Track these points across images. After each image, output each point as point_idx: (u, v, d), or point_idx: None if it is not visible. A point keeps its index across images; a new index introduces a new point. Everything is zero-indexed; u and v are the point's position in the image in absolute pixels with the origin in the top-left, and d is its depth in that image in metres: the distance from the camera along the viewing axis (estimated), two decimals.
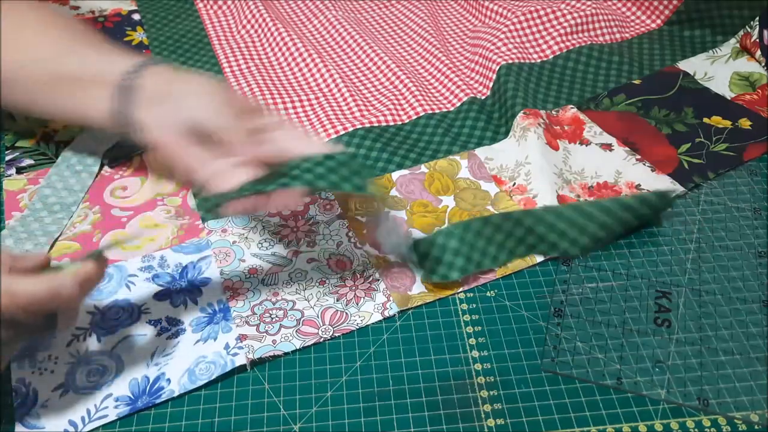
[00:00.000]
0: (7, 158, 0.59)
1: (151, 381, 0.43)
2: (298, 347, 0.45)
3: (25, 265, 0.37)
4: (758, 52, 0.68)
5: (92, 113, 0.48)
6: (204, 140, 0.43)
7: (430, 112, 0.64)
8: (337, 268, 0.50)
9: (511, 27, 0.72)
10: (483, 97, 0.66)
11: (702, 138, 0.60)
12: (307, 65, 0.71)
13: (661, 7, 0.76)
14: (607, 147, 0.60)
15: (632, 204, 0.50)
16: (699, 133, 0.61)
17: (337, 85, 0.68)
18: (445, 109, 0.65)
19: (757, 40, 0.68)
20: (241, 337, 0.45)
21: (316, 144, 0.45)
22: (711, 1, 0.73)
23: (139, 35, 0.76)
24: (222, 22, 0.79)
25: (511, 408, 0.42)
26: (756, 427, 0.40)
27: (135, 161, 0.59)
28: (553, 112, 0.64)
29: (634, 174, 0.57)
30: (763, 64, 0.68)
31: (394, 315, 0.47)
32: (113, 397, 0.42)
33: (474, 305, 0.48)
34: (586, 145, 0.60)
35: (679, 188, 0.55)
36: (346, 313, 0.47)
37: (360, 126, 0.63)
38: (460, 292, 0.48)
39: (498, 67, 0.66)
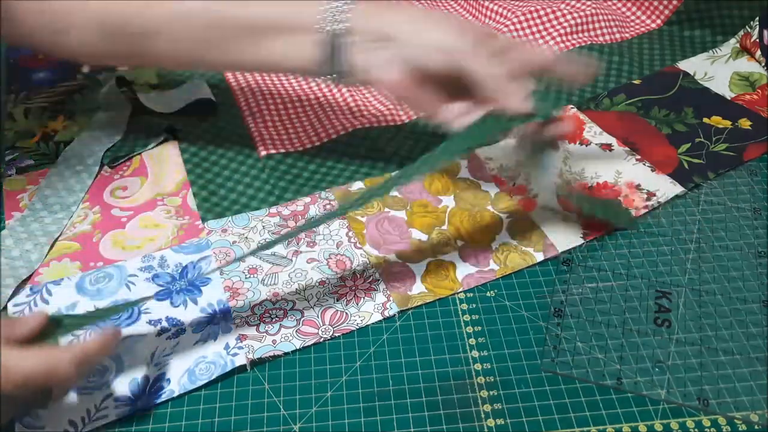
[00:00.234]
0: (7, 158, 0.59)
1: (151, 381, 0.43)
2: (298, 347, 0.45)
3: (22, 332, 0.36)
4: (758, 52, 0.68)
5: (293, 63, 0.46)
6: (435, 78, 0.42)
7: None
8: (337, 268, 0.50)
9: (511, 27, 0.72)
10: None
11: (702, 138, 0.60)
12: None
13: (661, 7, 0.76)
14: (607, 147, 0.60)
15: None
16: (699, 133, 0.61)
17: (337, 85, 0.68)
18: None
19: (757, 40, 0.68)
20: (241, 337, 0.45)
21: (550, 53, 0.44)
22: (711, 1, 0.73)
23: None
24: None
25: (511, 408, 0.42)
26: (756, 427, 0.40)
27: (135, 161, 0.59)
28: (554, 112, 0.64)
29: (634, 174, 0.57)
30: (763, 64, 0.68)
31: (394, 315, 0.47)
32: (113, 397, 0.42)
33: (474, 305, 0.48)
34: (586, 145, 0.60)
35: (679, 188, 0.55)
36: (346, 313, 0.47)
37: (360, 126, 0.63)
38: (460, 292, 0.48)
39: None
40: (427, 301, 0.47)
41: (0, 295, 0.48)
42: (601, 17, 0.74)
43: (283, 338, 0.45)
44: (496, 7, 0.76)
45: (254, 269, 0.50)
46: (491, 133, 0.45)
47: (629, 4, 0.78)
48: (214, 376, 0.43)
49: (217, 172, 0.58)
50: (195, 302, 0.47)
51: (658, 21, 0.76)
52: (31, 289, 0.49)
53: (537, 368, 0.44)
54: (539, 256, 0.50)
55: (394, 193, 0.56)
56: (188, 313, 0.47)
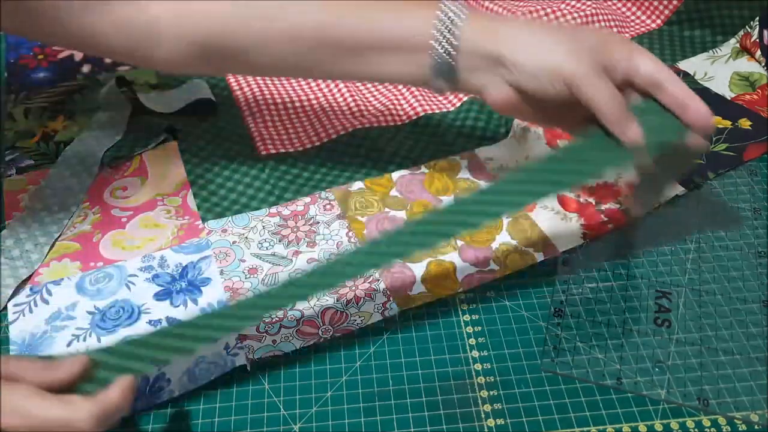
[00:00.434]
0: (7, 158, 0.59)
1: (151, 381, 0.43)
2: (298, 347, 0.45)
3: (60, 376, 0.35)
4: (758, 52, 0.68)
5: (403, 78, 0.46)
6: (550, 99, 0.41)
7: (430, 112, 0.64)
8: None
9: None
10: None
11: None
12: None
13: (661, 7, 0.76)
14: None
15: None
16: None
17: (336, 85, 0.68)
18: (445, 109, 0.65)
19: (757, 40, 0.68)
20: (241, 338, 0.45)
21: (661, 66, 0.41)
22: (711, 1, 0.73)
23: None
24: None
25: (511, 408, 0.42)
26: (756, 427, 0.40)
27: (135, 161, 0.59)
28: None
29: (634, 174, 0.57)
30: (763, 64, 0.68)
31: (394, 315, 0.47)
32: None
33: (474, 305, 0.48)
34: None
35: (679, 188, 0.55)
36: (346, 313, 0.47)
37: (360, 126, 0.63)
38: (460, 292, 0.48)
39: None
40: (427, 301, 0.47)
41: (0, 295, 0.48)
42: (601, 17, 0.74)
43: (283, 338, 0.45)
44: (496, 8, 0.76)
45: (254, 269, 0.50)
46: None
47: (629, 4, 0.78)
48: (213, 376, 0.43)
49: (217, 172, 0.58)
50: (195, 302, 0.47)
51: (658, 21, 0.76)
52: (31, 289, 0.49)
53: (537, 368, 0.44)
54: (539, 256, 0.50)
55: (394, 193, 0.56)
56: (188, 313, 0.47)
